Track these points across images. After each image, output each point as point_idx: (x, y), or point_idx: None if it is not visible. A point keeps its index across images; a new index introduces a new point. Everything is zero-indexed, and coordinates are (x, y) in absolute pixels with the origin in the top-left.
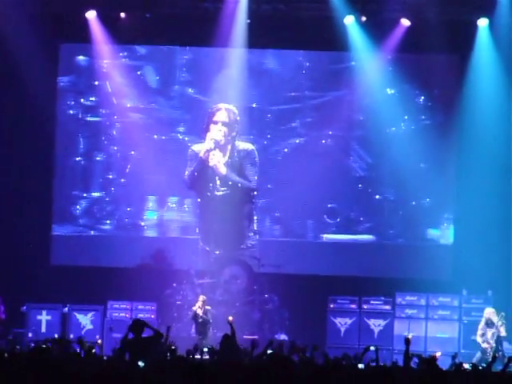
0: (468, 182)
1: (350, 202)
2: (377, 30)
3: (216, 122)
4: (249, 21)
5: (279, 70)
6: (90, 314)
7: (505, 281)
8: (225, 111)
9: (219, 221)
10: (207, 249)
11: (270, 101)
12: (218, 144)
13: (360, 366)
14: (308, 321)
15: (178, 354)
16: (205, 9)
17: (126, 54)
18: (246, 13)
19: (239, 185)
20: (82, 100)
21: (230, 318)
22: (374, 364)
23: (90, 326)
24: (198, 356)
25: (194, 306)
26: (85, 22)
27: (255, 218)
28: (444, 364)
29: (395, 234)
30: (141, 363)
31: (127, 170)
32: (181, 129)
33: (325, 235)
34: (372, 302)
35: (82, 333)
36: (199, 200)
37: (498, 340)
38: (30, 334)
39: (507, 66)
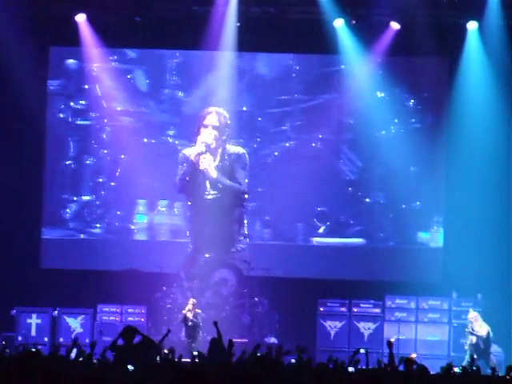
0: (458, 185)
1: (340, 205)
2: (366, 33)
3: (206, 126)
4: (239, 24)
5: (269, 73)
6: (79, 318)
7: (494, 284)
8: (215, 114)
9: (209, 224)
10: (197, 252)
11: (260, 104)
12: (209, 147)
13: (350, 369)
14: (298, 324)
15: (169, 357)
16: (194, 12)
17: (115, 57)
18: (235, 16)
19: (229, 188)
20: (71, 103)
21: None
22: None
23: (79, 330)
24: (187, 360)
25: (184, 309)
26: (75, 26)
27: (245, 221)
28: (435, 368)
29: (385, 237)
30: (130, 367)
31: (117, 174)
32: (171, 132)
33: (315, 238)
34: (362, 305)
35: (72, 336)
36: (189, 203)
37: (478, 340)
38: (19, 338)
39: (496, 69)
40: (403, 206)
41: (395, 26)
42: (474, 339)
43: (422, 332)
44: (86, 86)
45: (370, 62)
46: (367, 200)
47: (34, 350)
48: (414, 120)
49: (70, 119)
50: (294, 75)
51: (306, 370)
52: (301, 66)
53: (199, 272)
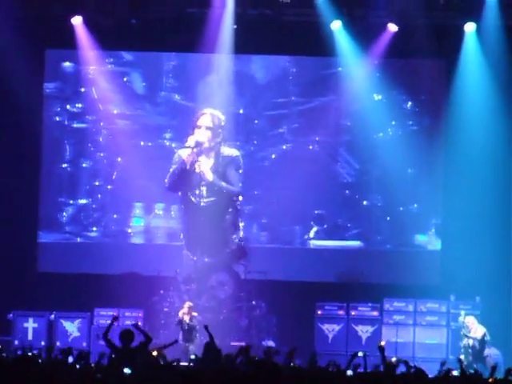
0: (455, 187)
1: (338, 207)
2: (364, 35)
3: (200, 127)
4: (235, 26)
5: (266, 75)
6: (76, 322)
7: (493, 286)
8: (209, 116)
9: (204, 227)
10: (191, 256)
11: (256, 107)
12: (201, 146)
13: (348, 372)
14: (295, 327)
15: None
16: (191, 14)
17: (112, 60)
18: (232, 18)
19: (224, 191)
20: (68, 106)
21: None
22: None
23: (76, 334)
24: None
25: (179, 313)
26: (71, 28)
27: (241, 224)
28: (432, 371)
29: (383, 239)
30: (127, 370)
31: (114, 177)
32: (167, 135)
33: (312, 241)
34: (360, 308)
35: (69, 340)
36: (183, 206)
37: (474, 342)
38: (16, 342)
39: (494, 70)
40: (401, 209)
41: (393, 27)
42: (470, 342)
43: (420, 335)
44: (83, 89)
45: (368, 64)
46: (365, 203)
47: (30, 354)
48: (411, 122)
49: (66, 122)
50: (290, 78)
51: (304, 374)
52: (298, 68)
53: (196, 275)
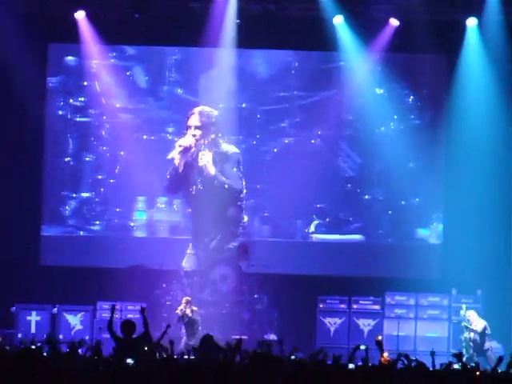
0: (457, 181)
1: (339, 201)
2: (366, 29)
3: (190, 127)
4: (238, 21)
5: (268, 70)
6: (79, 315)
7: (494, 280)
8: (197, 115)
9: (205, 222)
10: (193, 250)
11: (259, 101)
12: (188, 150)
13: (350, 365)
14: (297, 321)
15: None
16: (194, 9)
17: (115, 54)
18: (235, 13)
19: (226, 186)
20: (71, 100)
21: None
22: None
23: (79, 327)
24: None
25: (177, 308)
26: (74, 22)
27: (245, 219)
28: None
29: (384, 233)
30: (130, 360)
31: (116, 171)
32: (170, 129)
33: (314, 235)
34: (361, 301)
35: (72, 333)
36: (185, 201)
37: (475, 336)
38: (19, 335)
39: (496, 65)
40: (402, 203)
41: (394, 22)
42: (471, 335)
43: (422, 328)
44: (85, 83)
45: (369, 59)
46: (366, 197)
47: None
48: (413, 116)
49: (69, 116)
50: (293, 72)
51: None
52: (300, 62)
53: (199, 269)
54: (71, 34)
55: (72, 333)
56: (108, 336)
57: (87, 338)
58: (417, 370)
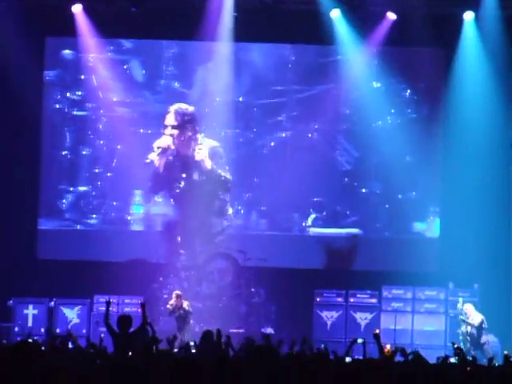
0: (454, 175)
1: (337, 195)
2: (363, 23)
3: (166, 127)
4: (235, 14)
5: (265, 63)
6: (76, 308)
7: (491, 274)
8: (172, 114)
9: (193, 216)
10: (186, 243)
11: (256, 94)
12: (167, 150)
13: (347, 359)
14: (294, 314)
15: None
16: (191, 2)
17: (112, 47)
18: (232, 6)
19: (222, 178)
20: (68, 94)
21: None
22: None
23: (76, 320)
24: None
25: (168, 303)
26: (71, 16)
27: (229, 211)
28: (431, 357)
29: (381, 227)
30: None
31: (113, 164)
32: None
33: (311, 229)
34: (358, 295)
35: (69, 327)
36: (172, 200)
37: (472, 329)
38: (16, 328)
39: (493, 59)
40: (399, 196)
41: (392, 16)
42: (468, 329)
43: (419, 322)
44: (83, 77)
45: (367, 53)
46: (363, 190)
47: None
48: (410, 110)
49: (66, 110)
50: (290, 66)
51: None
52: (297, 56)
53: (196, 262)
54: (68, 28)
55: (69, 326)
56: (105, 330)
57: (84, 331)
58: (414, 363)
